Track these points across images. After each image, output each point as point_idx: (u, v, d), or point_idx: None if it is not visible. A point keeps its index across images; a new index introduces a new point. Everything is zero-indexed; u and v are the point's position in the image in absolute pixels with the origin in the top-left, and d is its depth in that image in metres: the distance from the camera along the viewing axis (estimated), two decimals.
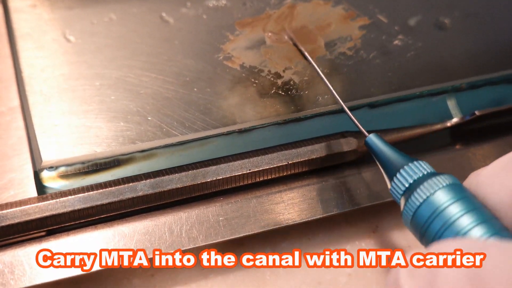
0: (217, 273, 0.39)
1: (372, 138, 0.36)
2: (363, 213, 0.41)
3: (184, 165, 0.39)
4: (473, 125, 0.43)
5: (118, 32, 0.45)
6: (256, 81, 0.41)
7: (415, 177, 0.33)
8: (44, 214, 0.35)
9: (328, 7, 0.46)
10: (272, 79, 0.41)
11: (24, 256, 0.35)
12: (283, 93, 0.41)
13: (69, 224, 0.36)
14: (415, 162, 0.34)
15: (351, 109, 0.40)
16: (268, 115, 0.40)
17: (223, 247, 0.39)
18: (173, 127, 0.39)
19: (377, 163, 0.36)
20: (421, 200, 0.32)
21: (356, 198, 0.39)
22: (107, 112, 0.40)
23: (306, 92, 0.41)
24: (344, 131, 0.41)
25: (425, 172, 0.34)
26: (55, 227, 0.36)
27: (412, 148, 0.43)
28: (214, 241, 0.37)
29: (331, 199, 0.39)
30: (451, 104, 0.43)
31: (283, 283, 0.38)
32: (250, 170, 0.39)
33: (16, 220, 0.35)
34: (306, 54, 0.42)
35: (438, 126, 0.43)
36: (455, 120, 0.43)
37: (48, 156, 0.37)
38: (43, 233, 0.37)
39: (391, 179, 0.35)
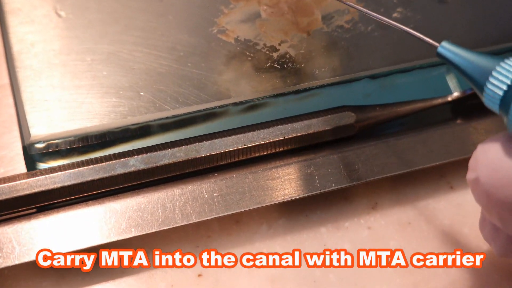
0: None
1: (446, 46, 0.31)
2: (362, 189, 0.40)
3: (177, 140, 0.38)
4: (474, 100, 0.42)
5: (111, 7, 0.43)
6: (251, 55, 0.40)
7: None
8: (33, 191, 0.35)
9: None
10: (267, 52, 0.40)
11: (13, 234, 0.34)
12: (278, 67, 0.40)
13: (59, 201, 0.35)
14: (506, 60, 0.29)
15: (350, 80, 0.40)
16: (264, 90, 0.39)
17: (218, 224, 0.38)
18: (166, 102, 0.39)
19: (460, 73, 0.30)
20: None
21: (354, 173, 0.38)
22: (99, 88, 0.39)
23: (303, 65, 0.40)
24: (342, 105, 0.40)
25: None
26: (45, 204, 0.35)
27: (413, 123, 0.42)
28: (208, 218, 0.36)
29: (329, 175, 0.38)
30: (452, 78, 0.42)
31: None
32: (245, 145, 0.38)
33: (4, 197, 0.34)
34: None
35: (439, 101, 0.42)
36: (456, 94, 0.42)
37: (37, 131, 0.36)
38: (33, 210, 0.36)
39: (482, 87, 0.29)
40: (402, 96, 0.41)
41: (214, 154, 0.37)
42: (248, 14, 0.42)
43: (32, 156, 0.36)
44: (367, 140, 0.40)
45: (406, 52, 0.42)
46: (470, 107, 0.42)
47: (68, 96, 0.39)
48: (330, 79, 0.39)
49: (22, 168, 0.38)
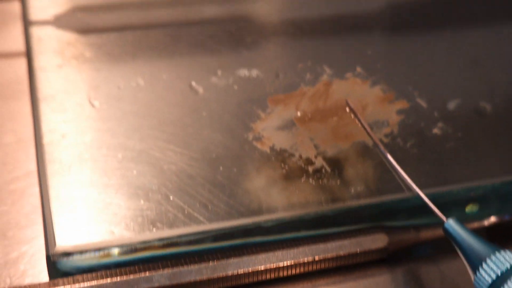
0: None
1: (452, 224, 0.34)
2: None
3: (204, 252, 0.36)
4: None
5: (145, 98, 0.43)
6: (286, 166, 0.39)
7: (503, 269, 0.31)
8: None
9: (365, 86, 0.43)
10: (302, 165, 0.39)
11: None
12: (313, 183, 0.39)
13: None
14: (502, 252, 0.32)
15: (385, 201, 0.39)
16: (297, 202, 0.38)
17: None
18: (195, 209, 0.37)
19: (458, 251, 0.34)
20: None
21: None
22: (128, 188, 0.38)
23: (338, 182, 0.39)
24: (375, 226, 0.38)
25: None
26: None
27: (448, 247, 0.41)
28: None
29: None
30: (490, 201, 0.41)
31: None
32: (274, 264, 0.36)
33: None
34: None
35: (475, 225, 0.40)
36: (492, 219, 0.40)
37: (63, 239, 0.35)
38: None
39: (474, 271, 0.32)
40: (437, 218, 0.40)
41: (242, 272, 0.36)
42: (286, 120, 0.41)
43: (56, 264, 0.35)
44: (399, 263, 0.39)
45: (445, 172, 0.40)
46: (508, 233, 0.41)
47: (96, 195, 0.38)
48: (366, 200, 0.38)
49: (42, 266, 0.37)
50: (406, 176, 0.37)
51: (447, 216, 0.34)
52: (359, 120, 0.40)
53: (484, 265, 0.32)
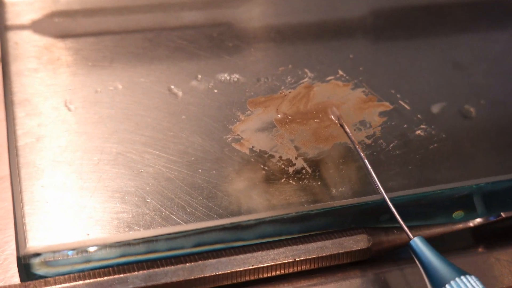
0: None
1: (417, 242, 0.34)
2: None
3: (181, 255, 0.35)
4: (498, 227, 0.40)
5: (123, 102, 0.42)
6: (266, 167, 0.38)
7: None
8: None
9: (347, 89, 0.43)
10: (283, 166, 0.38)
11: None
12: (294, 183, 0.38)
13: None
14: (465, 277, 0.31)
15: (366, 204, 0.38)
16: (277, 203, 0.37)
17: None
18: (173, 212, 0.36)
19: (421, 270, 0.33)
20: None
21: None
22: (104, 191, 0.37)
23: (319, 183, 0.38)
24: (357, 227, 0.37)
25: None
26: None
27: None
28: None
29: None
30: (475, 202, 0.40)
31: None
32: (253, 265, 0.35)
33: None
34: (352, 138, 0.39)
35: (460, 226, 0.39)
36: (478, 220, 0.40)
37: (34, 240, 0.34)
38: None
39: None
40: (423, 218, 0.39)
41: (220, 274, 0.35)
42: (266, 122, 0.40)
43: (27, 266, 0.34)
44: (381, 265, 0.38)
45: (428, 173, 0.39)
46: (493, 234, 0.40)
47: (71, 199, 0.37)
48: (348, 200, 0.37)
49: (14, 270, 0.36)
50: (380, 187, 0.36)
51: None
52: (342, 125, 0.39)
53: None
